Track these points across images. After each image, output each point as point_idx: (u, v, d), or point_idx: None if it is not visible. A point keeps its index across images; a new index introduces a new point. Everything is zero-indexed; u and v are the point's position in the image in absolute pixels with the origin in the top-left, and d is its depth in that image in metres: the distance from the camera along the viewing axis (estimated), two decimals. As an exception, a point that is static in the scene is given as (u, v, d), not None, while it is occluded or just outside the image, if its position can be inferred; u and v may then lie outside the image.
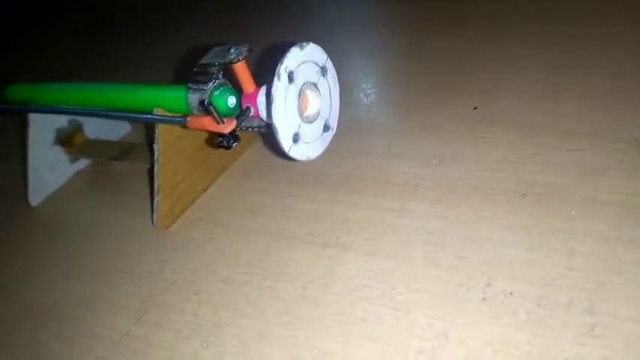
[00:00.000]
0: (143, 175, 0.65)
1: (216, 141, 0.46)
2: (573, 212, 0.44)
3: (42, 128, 0.67)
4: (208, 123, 0.46)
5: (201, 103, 0.47)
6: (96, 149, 0.69)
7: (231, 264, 0.49)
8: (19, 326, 0.50)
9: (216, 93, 0.49)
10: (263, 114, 0.47)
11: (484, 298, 0.39)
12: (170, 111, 0.53)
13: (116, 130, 0.75)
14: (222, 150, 0.61)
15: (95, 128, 0.72)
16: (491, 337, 0.37)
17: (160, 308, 0.47)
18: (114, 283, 0.51)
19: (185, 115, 0.49)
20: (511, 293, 0.39)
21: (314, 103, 0.47)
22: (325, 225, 0.50)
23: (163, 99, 0.53)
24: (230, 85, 0.49)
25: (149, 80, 0.56)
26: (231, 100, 0.49)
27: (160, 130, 0.52)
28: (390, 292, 0.42)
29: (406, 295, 0.41)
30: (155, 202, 0.54)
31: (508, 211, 0.45)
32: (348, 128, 0.56)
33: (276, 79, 0.42)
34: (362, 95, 0.68)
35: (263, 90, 0.47)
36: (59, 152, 0.69)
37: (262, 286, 0.46)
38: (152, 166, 0.55)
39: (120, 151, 0.66)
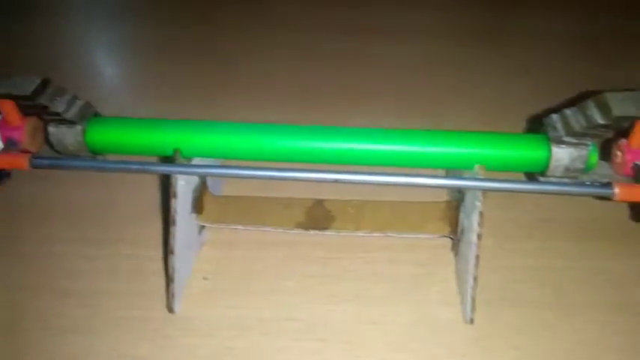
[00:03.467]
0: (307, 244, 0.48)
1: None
2: None
3: (186, 193, 0.43)
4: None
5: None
6: (247, 213, 0.48)
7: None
8: None
9: (590, 148, 0.39)
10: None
11: None
12: (495, 169, 0.40)
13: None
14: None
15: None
16: None
17: None
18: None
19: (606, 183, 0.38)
20: None
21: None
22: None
23: (493, 152, 0.40)
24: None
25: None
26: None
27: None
28: None
29: None
30: (469, 289, 0.40)
31: None
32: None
33: None
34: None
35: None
36: (194, 223, 0.46)
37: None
38: (456, 240, 0.41)
39: (306, 212, 0.47)
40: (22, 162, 0.39)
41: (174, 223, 0.41)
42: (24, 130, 0.42)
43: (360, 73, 0.73)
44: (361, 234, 0.46)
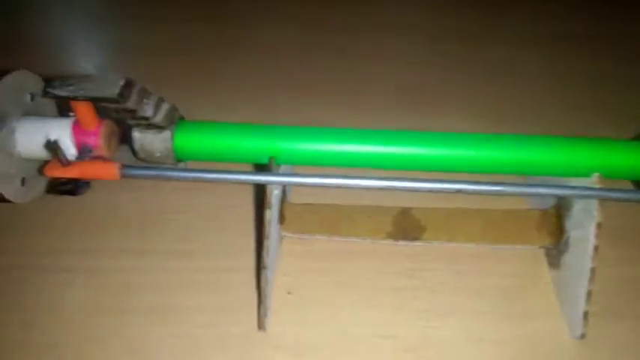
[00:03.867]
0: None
1: None
2: None
3: (276, 203, 0.40)
4: None
5: None
6: (330, 223, 0.45)
7: None
8: None
9: None
10: None
11: None
12: (609, 177, 0.38)
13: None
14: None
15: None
16: None
17: None
18: None
19: None
20: None
21: None
22: None
23: (611, 159, 0.38)
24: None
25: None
26: None
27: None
28: None
29: None
30: (582, 303, 0.39)
31: None
32: None
33: None
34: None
35: None
36: (278, 234, 0.43)
37: None
38: (557, 251, 0.39)
39: (393, 222, 0.44)
40: (114, 172, 0.35)
41: (268, 236, 0.38)
42: (100, 134, 0.38)
43: (365, 72, 0.71)
44: (455, 245, 0.44)
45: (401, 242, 0.44)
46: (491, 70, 0.71)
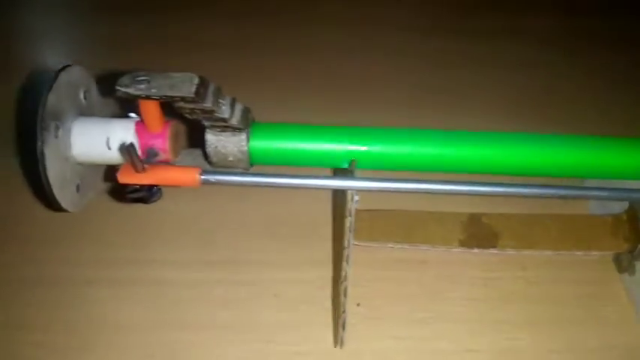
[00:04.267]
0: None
1: None
2: None
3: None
4: None
5: None
6: (399, 230, 0.43)
7: None
8: None
9: None
10: None
11: None
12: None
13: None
14: None
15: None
16: None
17: None
18: None
19: None
20: None
21: None
22: None
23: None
24: None
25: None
26: None
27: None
28: None
29: None
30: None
31: None
32: None
33: None
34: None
35: None
36: (351, 244, 0.41)
37: None
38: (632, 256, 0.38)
39: (463, 228, 0.43)
40: (194, 177, 0.32)
41: (348, 245, 0.36)
42: (166, 136, 0.35)
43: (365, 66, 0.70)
44: (529, 252, 0.42)
45: (475, 250, 0.42)
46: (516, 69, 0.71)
